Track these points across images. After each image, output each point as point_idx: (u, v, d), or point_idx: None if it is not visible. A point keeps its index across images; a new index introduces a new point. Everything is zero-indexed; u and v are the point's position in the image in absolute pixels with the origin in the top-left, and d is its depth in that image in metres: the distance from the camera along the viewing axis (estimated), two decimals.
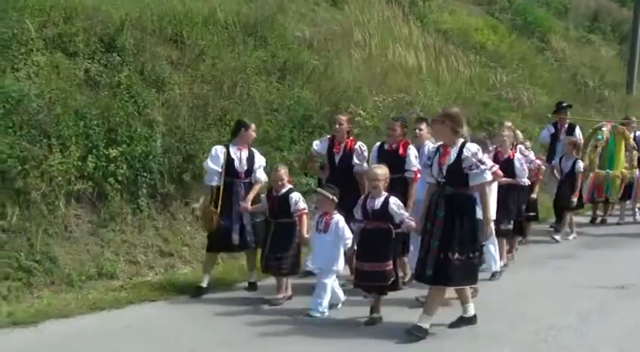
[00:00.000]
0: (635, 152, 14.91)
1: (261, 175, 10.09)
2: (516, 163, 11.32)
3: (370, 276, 8.15)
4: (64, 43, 12.03)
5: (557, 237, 13.65)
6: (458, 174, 7.61)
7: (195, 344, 7.67)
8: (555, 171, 14.23)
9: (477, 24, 24.48)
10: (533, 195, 12.87)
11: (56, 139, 10.64)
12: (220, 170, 9.80)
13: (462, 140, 7.67)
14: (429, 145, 9.83)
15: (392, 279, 8.12)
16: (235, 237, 9.74)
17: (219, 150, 9.98)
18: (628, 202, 15.99)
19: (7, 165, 9.89)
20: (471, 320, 8.10)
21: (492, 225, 7.87)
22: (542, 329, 8.12)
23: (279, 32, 16.20)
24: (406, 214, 8.29)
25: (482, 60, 21.98)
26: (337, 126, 10.59)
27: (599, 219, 15.94)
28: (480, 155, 7.63)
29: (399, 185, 9.53)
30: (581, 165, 13.71)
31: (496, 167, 9.34)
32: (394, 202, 8.20)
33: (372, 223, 8.24)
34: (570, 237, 13.88)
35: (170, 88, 12.85)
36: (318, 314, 8.54)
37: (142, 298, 9.42)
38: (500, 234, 10.75)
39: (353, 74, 16.89)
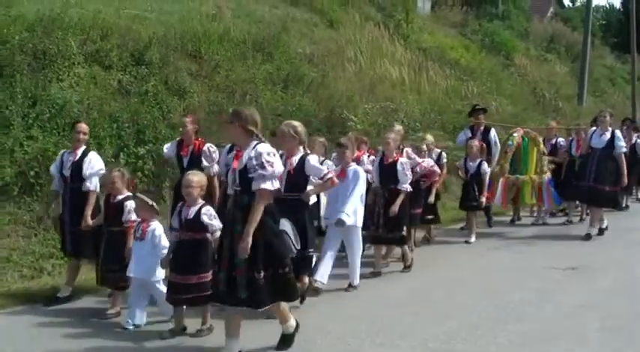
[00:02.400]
0: (545, 158, 13.16)
1: (90, 183, 8.06)
2: (398, 168, 9.29)
3: (181, 289, 6.60)
4: (100, 57, 12.13)
5: (471, 240, 12.00)
6: (249, 181, 5.90)
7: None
8: (460, 172, 12.56)
9: (452, 43, 24.50)
10: (431, 199, 11.23)
11: (93, 139, 10.62)
12: (57, 174, 8.26)
13: (255, 141, 6.00)
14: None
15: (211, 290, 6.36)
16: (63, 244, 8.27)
17: (59, 154, 8.47)
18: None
19: (52, 160, 9.89)
20: (292, 337, 6.46)
21: (249, 240, 5.78)
22: (503, 302, 8.11)
23: (283, 49, 16.23)
24: (218, 225, 6.58)
25: (456, 74, 22.01)
26: (182, 128, 9.01)
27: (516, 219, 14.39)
28: (269, 157, 5.86)
29: None
30: (486, 166, 12.06)
31: (332, 173, 7.55)
32: (206, 212, 6.64)
33: (185, 233, 6.65)
34: (471, 240, 12.01)
35: (190, 96, 12.92)
36: (131, 327, 7.00)
37: None
38: (387, 241, 9.53)
39: (346, 85, 16.93)
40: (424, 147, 11.26)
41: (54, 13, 12.11)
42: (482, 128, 13.33)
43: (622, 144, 12.28)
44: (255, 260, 5.86)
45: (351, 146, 8.89)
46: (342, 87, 16.65)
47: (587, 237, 12.19)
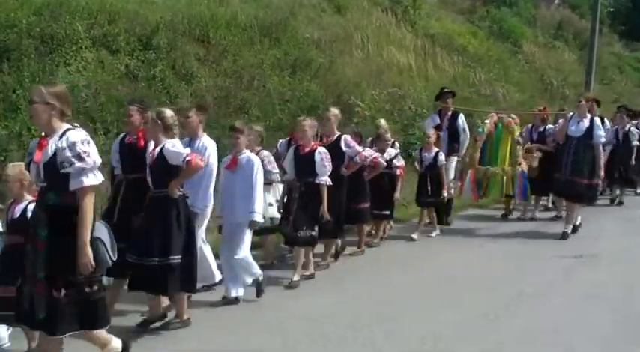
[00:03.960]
0: (519, 147, 11.79)
1: None
2: (316, 158, 8.12)
3: (6, 304, 5.33)
4: (108, 41, 12.11)
5: (414, 236, 10.91)
6: (57, 176, 4.85)
7: None
8: (416, 163, 11.34)
9: (459, 30, 24.33)
10: (397, 195, 10.30)
11: (101, 123, 10.68)
12: None
13: (65, 126, 4.96)
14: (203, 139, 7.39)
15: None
16: None
17: None
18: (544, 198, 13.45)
19: None
20: None
21: (89, 253, 4.81)
22: (512, 291, 8.04)
23: (291, 34, 16.16)
24: None
25: (464, 61, 21.86)
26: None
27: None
28: (84, 146, 4.84)
29: (143, 186, 6.49)
30: (443, 157, 10.96)
31: (191, 156, 6.27)
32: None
33: (11, 237, 5.61)
34: (433, 234, 11.18)
35: (197, 81, 12.93)
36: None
37: None
38: (296, 241, 8.24)
39: (353, 71, 16.87)
40: (388, 136, 10.36)
41: None
42: (449, 113, 12.10)
43: (601, 134, 11.24)
44: (55, 273, 4.86)
45: (247, 132, 7.70)
46: (350, 73, 16.59)
47: (564, 235, 11.15)
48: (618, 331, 6.78)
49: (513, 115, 12.49)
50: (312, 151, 8.17)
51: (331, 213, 8.32)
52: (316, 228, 8.19)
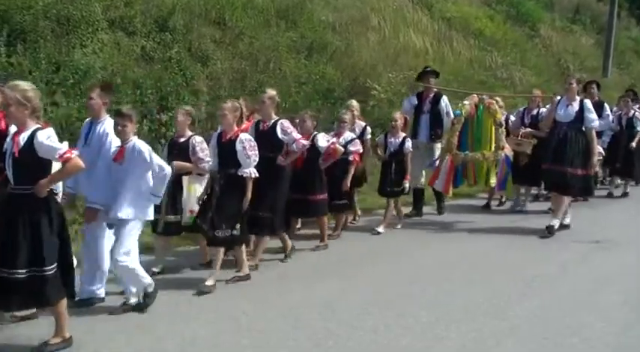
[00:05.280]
0: (501, 130, 10.61)
1: None
2: (237, 147, 7.15)
3: None
4: (124, 23, 12.09)
5: (380, 229, 10.10)
6: None
7: None
8: (379, 150, 10.43)
9: (476, 13, 24.12)
10: (346, 184, 9.40)
11: (116, 105, 10.55)
12: None
13: None
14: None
15: None
16: None
17: None
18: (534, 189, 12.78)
19: (75, 126, 9.88)
20: None
21: None
22: (526, 275, 7.96)
23: (307, 16, 16.08)
24: None
25: (480, 44, 21.72)
26: None
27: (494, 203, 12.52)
28: None
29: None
30: (409, 144, 10.05)
31: (71, 153, 5.18)
32: None
33: None
34: (398, 227, 10.51)
35: (213, 63, 12.89)
36: None
37: None
38: (216, 242, 7.23)
39: (370, 54, 16.75)
40: (346, 117, 9.65)
41: None
42: (431, 95, 11.19)
43: (592, 117, 10.01)
44: None
45: (135, 117, 6.69)
46: (366, 56, 16.48)
47: (549, 229, 10.12)
48: (633, 315, 6.69)
49: (498, 98, 11.66)
50: (234, 139, 7.25)
51: (266, 207, 7.78)
52: (238, 226, 7.25)
